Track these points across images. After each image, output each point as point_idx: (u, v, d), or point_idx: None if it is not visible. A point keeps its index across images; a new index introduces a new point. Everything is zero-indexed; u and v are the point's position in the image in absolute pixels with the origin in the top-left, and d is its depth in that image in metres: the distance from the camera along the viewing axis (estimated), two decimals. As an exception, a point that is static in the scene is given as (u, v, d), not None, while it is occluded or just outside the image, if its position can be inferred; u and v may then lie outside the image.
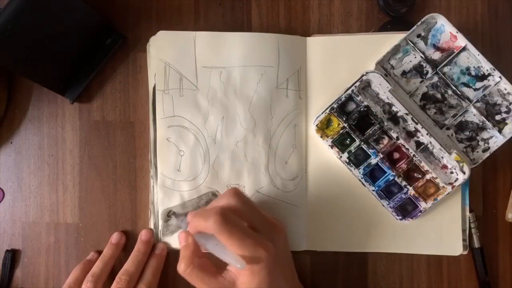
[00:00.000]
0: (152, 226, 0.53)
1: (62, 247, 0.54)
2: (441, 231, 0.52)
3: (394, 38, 0.51)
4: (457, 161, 0.50)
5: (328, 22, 0.54)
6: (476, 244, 0.52)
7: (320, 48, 0.53)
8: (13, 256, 0.54)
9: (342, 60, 0.52)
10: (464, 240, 0.52)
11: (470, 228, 0.52)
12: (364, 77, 0.50)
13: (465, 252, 0.52)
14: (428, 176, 0.51)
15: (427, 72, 0.51)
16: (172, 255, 0.53)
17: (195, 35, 0.52)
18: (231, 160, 0.52)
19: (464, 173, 0.50)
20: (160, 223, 0.52)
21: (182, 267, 0.43)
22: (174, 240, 0.52)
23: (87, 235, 0.54)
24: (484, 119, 0.51)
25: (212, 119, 0.52)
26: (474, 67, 0.51)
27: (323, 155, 0.53)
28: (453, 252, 0.52)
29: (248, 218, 0.44)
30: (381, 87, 0.50)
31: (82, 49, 0.52)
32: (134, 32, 0.54)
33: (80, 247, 0.54)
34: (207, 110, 0.52)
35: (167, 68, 0.52)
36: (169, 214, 0.52)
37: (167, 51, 0.52)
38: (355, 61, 0.52)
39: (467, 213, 0.52)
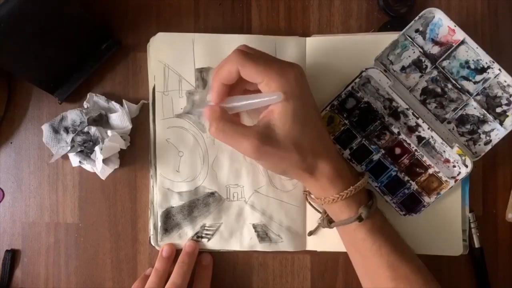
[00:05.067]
0: (151, 227, 0.53)
1: (62, 247, 0.54)
2: (441, 231, 0.52)
3: (394, 38, 0.51)
4: (459, 155, 0.49)
5: (328, 22, 0.54)
6: (476, 244, 0.52)
7: (320, 48, 0.53)
8: (13, 256, 0.54)
9: (342, 60, 0.52)
10: (464, 240, 0.52)
11: (470, 228, 0.52)
12: (363, 73, 0.50)
13: (465, 252, 0.52)
14: (430, 171, 0.51)
15: (426, 67, 0.51)
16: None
17: (194, 37, 0.52)
18: (230, 160, 0.52)
19: (466, 166, 0.49)
20: (159, 224, 0.52)
21: (213, 127, 0.42)
22: (174, 241, 0.52)
23: (87, 235, 0.54)
24: (485, 112, 0.51)
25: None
26: (473, 60, 0.51)
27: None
28: (453, 252, 0.52)
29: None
30: (381, 83, 0.50)
31: (76, 51, 0.52)
32: (134, 32, 0.54)
33: (80, 247, 0.54)
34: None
35: (166, 69, 0.52)
36: (168, 215, 0.52)
37: (166, 53, 0.52)
38: (355, 61, 0.52)
39: (467, 213, 0.52)
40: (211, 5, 0.54)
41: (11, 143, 0.55)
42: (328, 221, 0.49)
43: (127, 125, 0.52)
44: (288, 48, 0.52)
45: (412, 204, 0.52)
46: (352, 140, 0.52)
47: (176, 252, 0.52)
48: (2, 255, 0.54)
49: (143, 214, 0.54)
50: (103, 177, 0.51)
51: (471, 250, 0.52)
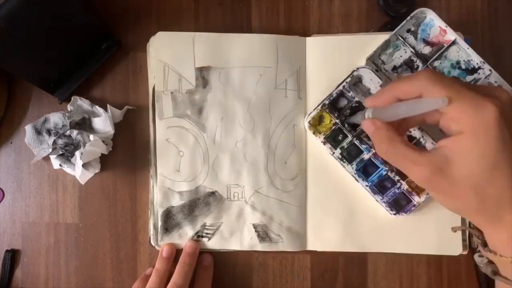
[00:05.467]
0: (151, 227, 0.53)
1: (62, 247, 0.54)
2: (441, 231, 0.52)
3: (394, 38, 0.51)
4: None
5: (328, 22, 0.54)
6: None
7: (319, 48, 0.53)
8: (13, 256, 0.54)
9: (342, 60, 0.52)
10: (463, 240, 0.52)
11: (470, 228, 0.52)
12: (355, 73, 0.50)
13: (465, 252, 0.52)
14: None
15: (418, 67, 0.51)
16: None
17: (194, 36, 0.52)
18: (230, 160, 0.52)
19: None
20: (160, 224, 0.52)
21: (383, 147, 0.39)
22: (174, 240, 0.53)
23: (87, 235, 0.54)
24: None
25: (212, 119, 0.52)
26: (464, 60, 0.51)
27: (323, 155, 0.53)
28: (453, 252, 0.52)
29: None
30: (372, 82, 0.50)
31: (76, 51, 0.52)
32: (134, 32, 0.54)
33: (80, 247, 0.54)
34: (206, 111, 0.52)
35: (166, 69, 0.52)
36: (169, 215, 0.52)
37: (166, 52, 0.52)
38: (355, 61, 0.52)
39: (467, 213, 0.52)
40: (211, 5, 0.54)
41: (11, 143, 0.55)
42: (492, 271, 0.41)
43: (110, 130, 0.52)
44: (288, 47, 0.52)
45: (402, 204, 0.52)
46: (343, 139, 0.52)
47: (176, 252, 0.53)
48: (2, 255, 0.54)
49: (143, 214, 0.54)
50: (82, 182, 0.51)
51: (471, 250, 0.52)
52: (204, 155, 0.53)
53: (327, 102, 0.51)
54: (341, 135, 0.52)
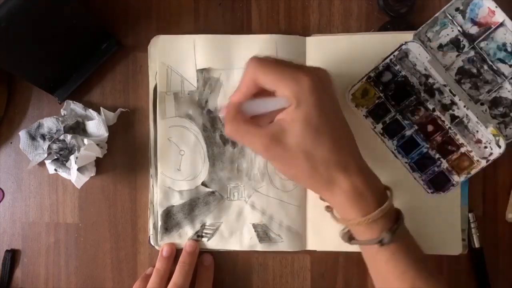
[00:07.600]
0: (151, 226, 0.53)
1: (62, 247, 0.54)
2: (440, 231, 0.52)
3: (394, 38, 0.51)
4: (493, 135, 0.49)
5: (328, 22, 0.54)
6: (476, 244, 0.52)
7: (319, 48, 0.53)
8: (13, 256, 0.54)
9: (342, 60, 0.52)
10: (463, 239, 0.52)
11: (470, 228, 0.52)
12: (403, 47, 0.50)
13: (465, 252, 0.52)
14: (463, 150, 0.50)
15: (464, 46, 0.51)
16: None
17: (195, 39, 0.52)
18: (230, 159, 0.52)
19: (499, 147, 0.49)
20: (160, 223, 0.52)
21: (228, 127, 0.42)
22: (174, 240, 0.53)
23: (87, 235, 0.54)
24: None
25: (212, 119, 0.52)
26: (510, 43, 0.50)
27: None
28: (453, 252, 0.52)
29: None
30: (420, 58, 0.50)
31: (76, 51, 0.52)
32: (134, 32, 0.54)
33: (80, 247, 0.54)
34: (207, 111, 0.52)
35: (169, 71, 0.52)
36: (169, 214, 0.52)
37: (168, 54, 0.52)
38: (355, 61, 0.52)
39: (466, 213, 0.52)
40: (211, 5, 0.54)
41: (11, 143, 0.55)
42: (348, 237, 0.45)
43: (104, 133, 0.52)
44: (288, 47, 0.52)
45: (440, 183, 0.51)
46: (386, 114, 0.51)
47: (176, 251, 0.53)
48: (2, 255, 0.54)
49: (143, 214, 0.54)
50: (78, 186, 0.51)
51: (471, 250, 0.52)
52: (204, 154, 0.53)
53: (372, 74, 0.50)
54: (383, 110, 0.51)
